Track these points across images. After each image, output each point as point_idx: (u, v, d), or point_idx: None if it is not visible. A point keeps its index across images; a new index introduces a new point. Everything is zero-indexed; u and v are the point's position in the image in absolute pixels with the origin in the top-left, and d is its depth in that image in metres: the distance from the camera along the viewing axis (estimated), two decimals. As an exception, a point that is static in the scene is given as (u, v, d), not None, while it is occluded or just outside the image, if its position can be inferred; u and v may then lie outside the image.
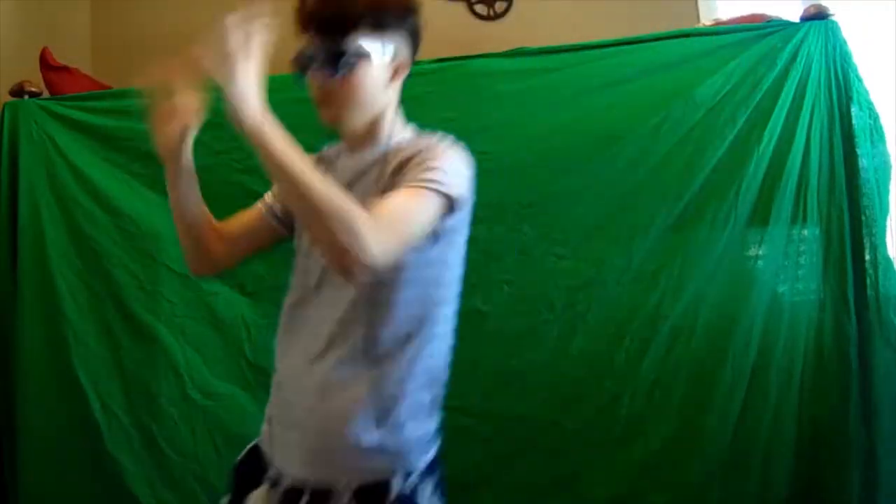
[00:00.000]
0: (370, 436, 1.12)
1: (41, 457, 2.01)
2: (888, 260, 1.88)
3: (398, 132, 1.25)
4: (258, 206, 1.37)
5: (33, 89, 2.18)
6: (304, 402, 1.17)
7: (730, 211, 1.92)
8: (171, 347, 2.02)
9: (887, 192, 1.91)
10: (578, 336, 1.95)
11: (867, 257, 1.88)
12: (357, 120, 1.22)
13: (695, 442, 1.89)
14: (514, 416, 1.95)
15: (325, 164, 1.29)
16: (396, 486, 1.12)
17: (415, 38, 1.24)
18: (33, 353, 2.03)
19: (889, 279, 1.87)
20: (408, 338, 1.15)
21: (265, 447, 1.26)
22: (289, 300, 1.26)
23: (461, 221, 1.19)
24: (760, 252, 1.93)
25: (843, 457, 1.82)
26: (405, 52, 1.23)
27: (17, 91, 2.16)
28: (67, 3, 2.76)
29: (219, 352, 2.04)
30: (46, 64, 2.25)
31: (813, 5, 1.98)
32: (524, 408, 1.94)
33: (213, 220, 1.34)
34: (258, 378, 2.03)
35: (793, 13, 2.02)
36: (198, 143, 2.07)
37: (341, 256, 0.98)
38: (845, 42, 1.95)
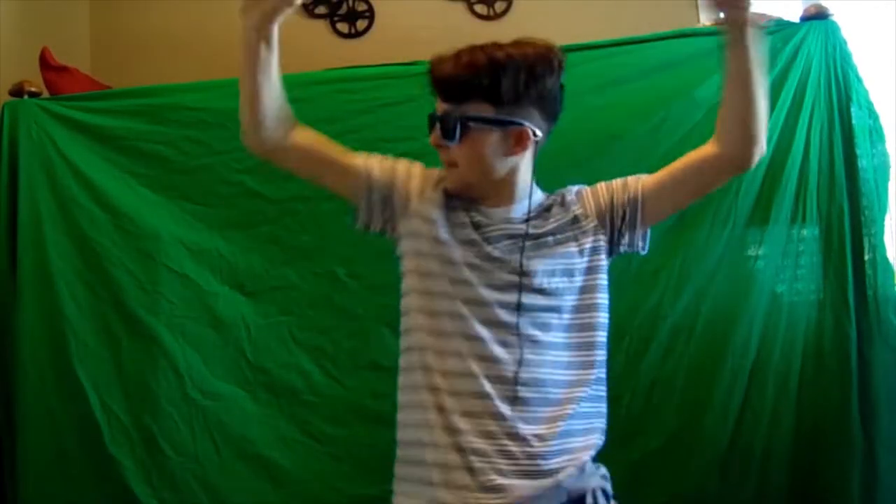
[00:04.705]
0: None
1: (41, 457, 2.00)
2: (887, 260, 1.88)
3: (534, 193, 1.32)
4: (360, 157, 1.34)
5: (33, 89, 2.17)
6: None
7: (730, 211, 1.92)
8: (171, 347, 2.02)
9: (886, 192, 1.91)
10: (578, 336, 1.95)
11: (866, 257, 1.88)
12: (481, 184, 1.29)
13: (694, 441, 1.89)
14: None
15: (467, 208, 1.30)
16: None
17: (544, 104, 1.27)
18: (33, 353, 2.03)
19: (888, 279, 1.87)
20: None
21: None
22: None
23: None
24: (760, 252, 1.93)
25: (842, 456, 1.82)
26: (533, 121, 1.26)
27: (17, 91, 2.16)
28: (67, 3, 2.76)
29: (219, 352, 2.04)
30: (46, 64, 2.25)
31: (813, 5, 1.98)
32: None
33: (286, 107, 1.30)
34: (258, 378, 2.03)
35: (793, 13, 2.02)
36: (198, 143, 2.10)
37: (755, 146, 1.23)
38: (845, 42, 1.95)
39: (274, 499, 1.99)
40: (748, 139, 1.22)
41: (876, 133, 1.91)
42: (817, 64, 1.93)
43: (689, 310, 1.92)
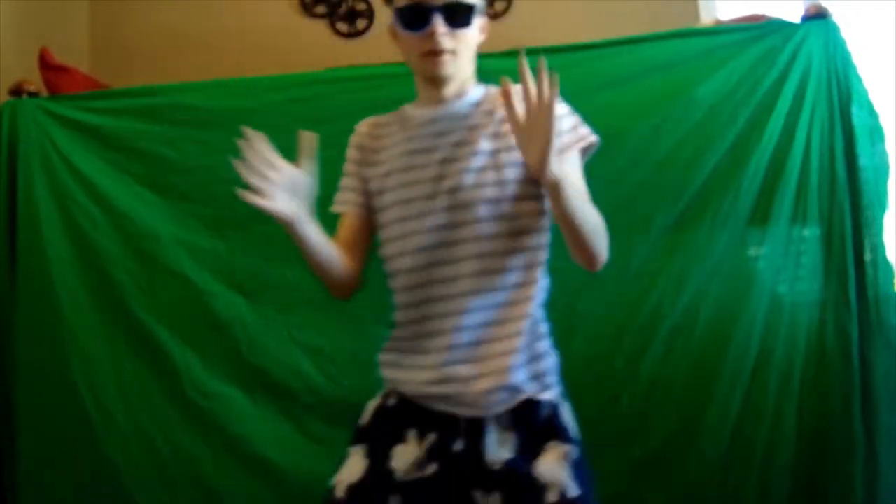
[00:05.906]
0: None
1: (39, 458, 2.00)
2: (887, 260, 1.88)
3: (476, 82, 1.43)
4: (350, 211, 1.49)
5: (32, 89, 2.17)
6: None
7: (730, 211, 1.91)
8: (169, 348, 2.01)
9: (886, 191, 1.91)
10: (578, 336, 1.95)
11: (867, 257, 1.88)
12: (467, 71, 1.39)
13: (694, 441, 1.89)
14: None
15: (404, 121, 1.45)
16: None
17: None
18: (31, 353, 2.02)
19: (888, 279, 1.87)
20: None
21: None
22: None
23: None
24: (760, 252, 1.93)
25: (844, 457, 1.82)
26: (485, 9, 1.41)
27: (16, 91, 2.15)
28: (66, 3, 2.76)
29: (217, 352, 2.03)
30: (45, 64, 2.25)
31: (813, 5, 1.98)
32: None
33: (341, 253, 1.45)
34: (257, 378, 2.03)
35: (793, 13, 2.02)
36: (197, 142, 2.10)
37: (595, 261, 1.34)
38: (845, 42, 1.95)
39: (271, 499, 1.98)
40: (587, 260, 1.36)
41: (876, 132, 1.91)
42: (817, 64, 1.93)
43: (689, 310, 1.92)
